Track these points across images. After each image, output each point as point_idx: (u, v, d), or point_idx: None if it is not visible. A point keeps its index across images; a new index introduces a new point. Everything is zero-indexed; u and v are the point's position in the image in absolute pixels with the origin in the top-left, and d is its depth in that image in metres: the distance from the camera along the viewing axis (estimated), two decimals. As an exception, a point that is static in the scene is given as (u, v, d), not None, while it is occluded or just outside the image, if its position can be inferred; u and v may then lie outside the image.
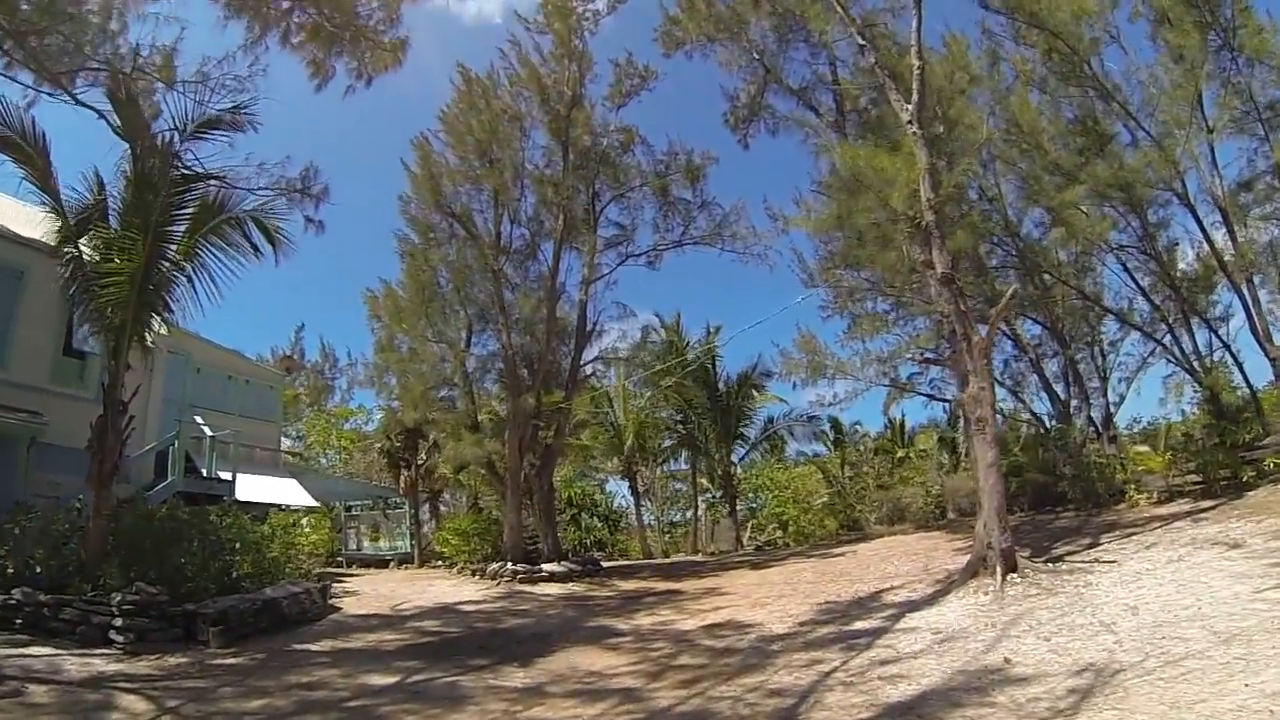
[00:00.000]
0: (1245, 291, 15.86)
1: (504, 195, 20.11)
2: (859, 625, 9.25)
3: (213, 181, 11.40)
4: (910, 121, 11.73)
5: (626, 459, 28.65)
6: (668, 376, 26.56)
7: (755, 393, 28.65)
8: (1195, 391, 17.57)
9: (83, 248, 10.83)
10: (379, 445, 27.76)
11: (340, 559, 26.01)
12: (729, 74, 18.87)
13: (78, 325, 12.93)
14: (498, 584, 16.74)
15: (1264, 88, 16.26)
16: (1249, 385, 16.74)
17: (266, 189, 13.26)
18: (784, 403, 28.89)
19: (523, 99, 20.58)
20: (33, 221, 11.78)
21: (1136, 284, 18.09)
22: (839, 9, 13.66)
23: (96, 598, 8.91)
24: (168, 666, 7.80)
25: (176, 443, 15.52)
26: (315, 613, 11.69)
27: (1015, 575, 9.43)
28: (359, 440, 34.53)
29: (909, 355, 17.56)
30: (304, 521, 24.81)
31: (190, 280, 11.07)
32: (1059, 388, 19.35)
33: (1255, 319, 15.69)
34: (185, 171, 11.19)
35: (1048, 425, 19.07)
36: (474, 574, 18.35)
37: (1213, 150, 16.42)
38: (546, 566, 17.64)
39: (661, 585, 16.09)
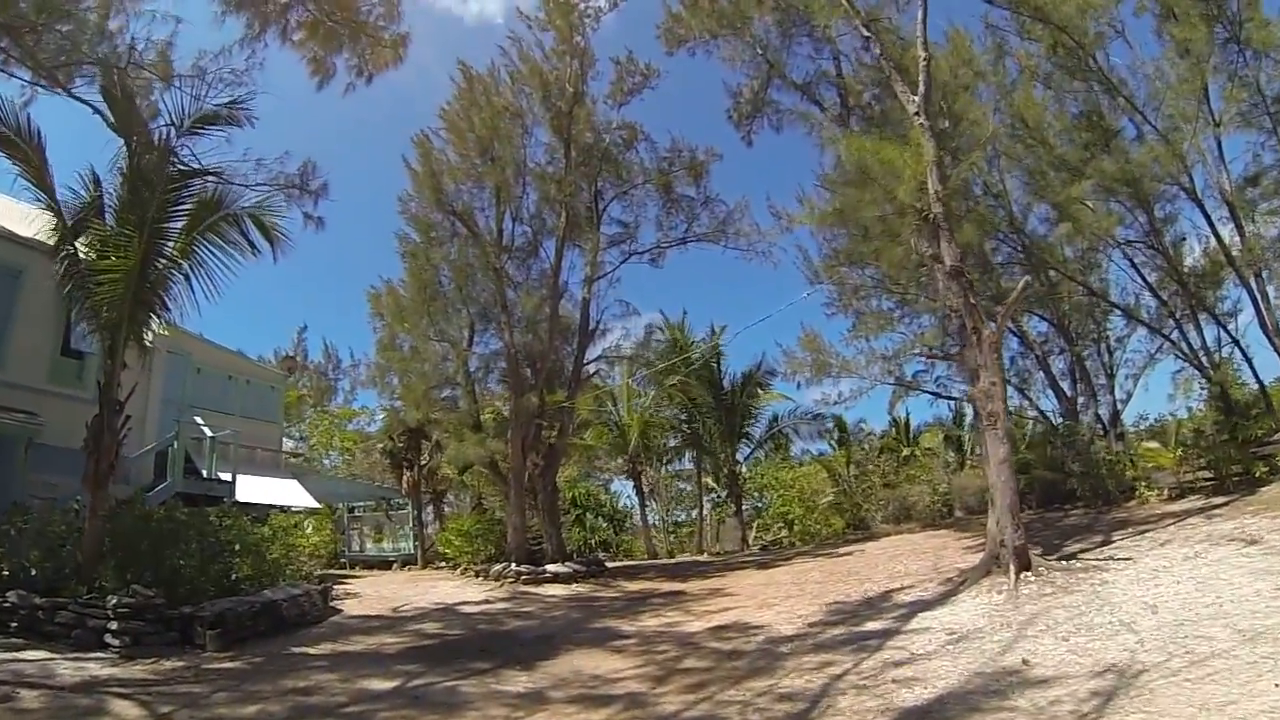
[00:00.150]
0: (1254, 286, 15.73)
1: (506, 193, 19.96)
2: (870, 626, 9.05)
3: (210, 178, 11.22)
4: (917, 113, 11.57)
5: (631, 458, 28.45)
6: (672, 375, 26.37)
7: (760, 391, 28.46)
8: (1203, 387, 17.40)
9: (79, 246, 10.69)
10: (381, 446, 27.60)
11: (343, 560, 25.89)
12: (732, 70, 18.79)
13: (75, 325, 12.80)
14: (501, 585, 16.59)
15: (1271, 81, 16.12)
16: (1258, 380, 16.59)
17: (265, 185, 13.16)
18: (790, 400, 28.64)
19: (524, 96, 20.45)
20: (30, 220, 11.66)
21: (1144, 279, 17.94)
22: (844, 2, 13.51)
23: (92, 600, 8.74)
24: (163, 671, 7.63)
25: (176, 443, 15.39)
26: (315, 615, 11.52)
27: (1029, 574, 9.26)
28: (362, 441, 34.39)
29: (915, 352, 17.36)
30: (307, 523, 24.70)
31: (187, 278, 10.87)
32: (1065, 385, 19.21)
33: (1264, 314, 15.56)
34: (182, 167, 11.02)
35: (1055, 422, 18.91)
36: (477, 575, 18.20)
37: (1219, 144, 16.31)
38: (550, 567, 17.48)
39: (667, 586, 15.91)
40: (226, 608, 9.51)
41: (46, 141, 10.40)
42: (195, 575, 9.92)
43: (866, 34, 13.25)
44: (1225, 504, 11.93)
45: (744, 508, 28.17)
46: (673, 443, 30.87)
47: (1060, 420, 18.74)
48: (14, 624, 8.49)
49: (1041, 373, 19.45)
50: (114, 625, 8.45)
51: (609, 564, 21.31)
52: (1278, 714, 4.41)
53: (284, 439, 25.56)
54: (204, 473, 16.23)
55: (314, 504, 21.57)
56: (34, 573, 9.35)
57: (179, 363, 18.05)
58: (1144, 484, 14.93)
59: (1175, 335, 17.41)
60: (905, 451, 27.24)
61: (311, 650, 9.31)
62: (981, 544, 12.22)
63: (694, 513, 31.38)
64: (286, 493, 19.45)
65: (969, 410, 24.49)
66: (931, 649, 7.40)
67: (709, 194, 21.80)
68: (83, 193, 10.73)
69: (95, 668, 7.47)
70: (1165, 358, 18.39)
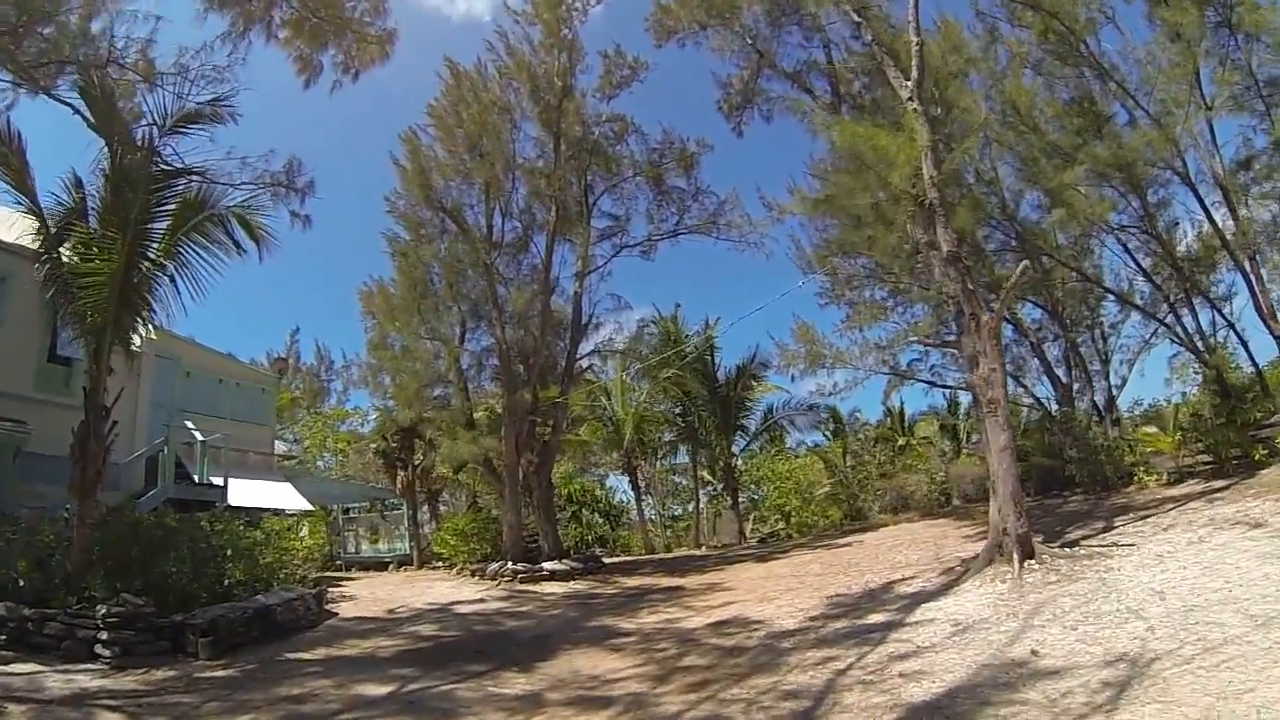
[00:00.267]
0: (1248, 269, 15.70)
1: (495, 188, 19.74)
2: (872, 619, 8.95)
3: (194, 177, 10.99)
4: (911, 98, 11.46)
5: (626, 453, 28.27)
6: (666, 369, 26.21)
7: (754, 383, 28.33)
8: (1198, 372, 17.39)
9: (62, 250, 10.48)
10: (375, 446, 27.31)
11: (339, 562, 25.66)
12: (721, 60, 18.61)
13: (61, 330, 12.60)
14: (498, 584, 16.44)
15: (1262, 64, 16.06)
16: (1254, 363, 16.64)
17: (250, 184, 12.95)
18: (784, 392, 28.55)
19: (512, 90, 20.23)
20: (12, 225, 11.46)
21: (1138, 265, 17.94)
22: (833, -12, 13.39)
23: (81, 611, 8.57)
24: (154, 681, 7.47)
25: (166, 448, 15.19)
26: (310, 619, 11.35)
27: (1033, 561, 9.16)
28: (355, 441, 34.14)
29: (910, 341, 17.26)
30: (301, 526, 24.47)
31: (173, 280, 10.69)
32: (1060, 371, 19.22)
33: (1259, 297, 15.55)
34: (165, 167, 10.80)
35: (1051, 409, 18.87)
36: (474, 574, 18.04)
37: (1212, 128, 16.29)
38: (547, 565, 17.34)
39: (665, 581, 15.79)
40: (219, 614, 9.35)
41: (27, 144, 10.23)
42: (187, 582, 9.78)
43: (857, 20, 13.14)
44: (1225, 487, 11.88)
45: (740, 500, 28.08)
46: (668, 437, 30.70)
47: (1056, 407, 18.70)
48: (3, 636, 8.29)
49: (1036, 359, 19.43)
50: (104, 635, 8.30)
51: (606, 560, 21.20)
52: (1297, 702, 4.31)
53: (277, 441, 25.29)
54: (195, 477, 16.01)
55: (308, 506, 21.33)
56: (22, 584, 9.18)
57: (168, 366, 17.83)
58: (1142, 469, 14.88)
59: (1170, 320, 17.41)
60: (901, 441, 27.16)
61: (306, 656, 9.16)
62: (982, 532, 12.15)
63: (690, 507, 31.24)
64: (280, 496, 19.22)
65: (964, 398, 24.52)
66: (937, 641, 7.29)
67: (700, 186, 21.69)
68: (65, 197, 10.54)
69: (85, 679, 7.31)
70: (1160, 342, 18.47)
